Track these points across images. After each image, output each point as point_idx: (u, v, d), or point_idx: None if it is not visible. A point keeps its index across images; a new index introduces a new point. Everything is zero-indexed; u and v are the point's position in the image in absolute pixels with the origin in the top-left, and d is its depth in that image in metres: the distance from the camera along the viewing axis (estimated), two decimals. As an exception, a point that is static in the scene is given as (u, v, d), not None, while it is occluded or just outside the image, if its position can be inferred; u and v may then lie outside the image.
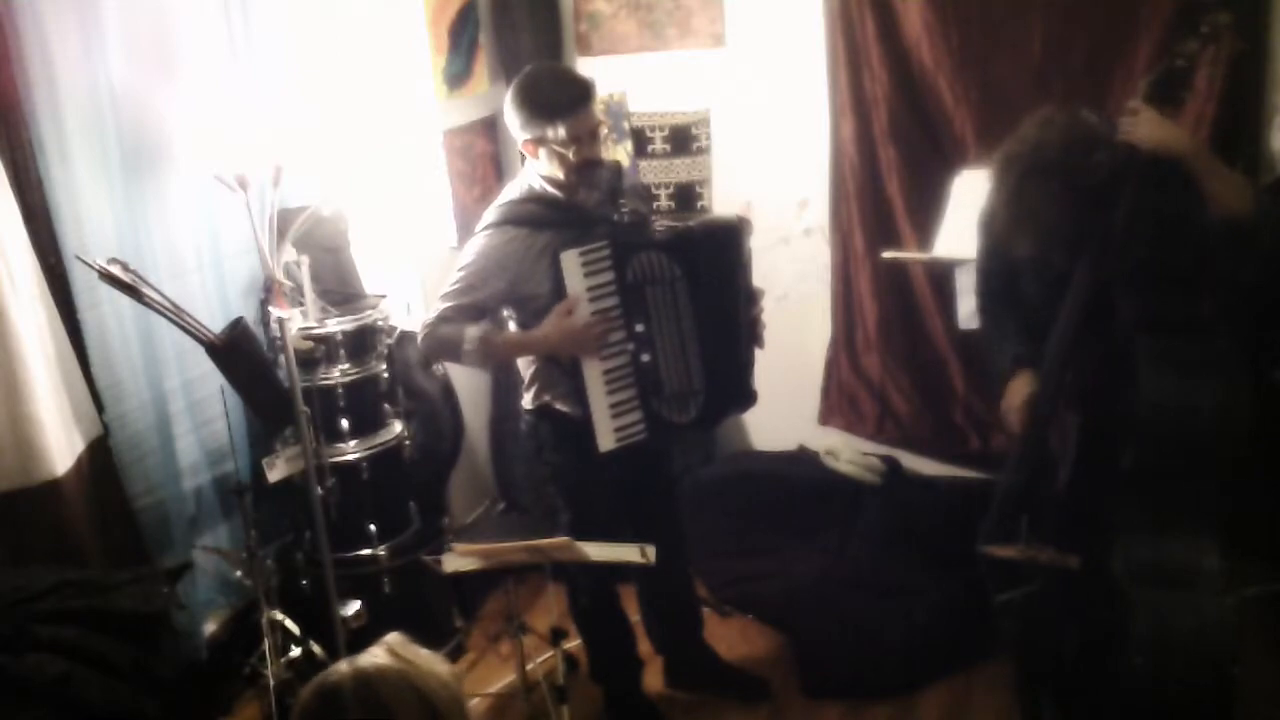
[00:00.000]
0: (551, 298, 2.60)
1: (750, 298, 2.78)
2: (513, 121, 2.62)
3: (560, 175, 2.63)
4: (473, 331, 2.62)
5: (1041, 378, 2.43)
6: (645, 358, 2.66)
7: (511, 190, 2.74)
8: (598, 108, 2.64)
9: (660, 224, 2.75)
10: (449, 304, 2.65)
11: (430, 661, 1.54)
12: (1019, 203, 2.29)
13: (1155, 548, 2.26)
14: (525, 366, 2.81)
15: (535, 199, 2.68)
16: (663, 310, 2.65)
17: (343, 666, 1.48)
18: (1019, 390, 2.53)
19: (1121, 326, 2.29)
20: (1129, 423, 2.24)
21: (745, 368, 2.80)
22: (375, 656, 1.50)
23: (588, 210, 2.67)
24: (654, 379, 2.67)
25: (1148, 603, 2.25)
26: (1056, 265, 2.35)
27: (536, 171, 2.67)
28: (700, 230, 2.73)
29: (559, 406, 2.75)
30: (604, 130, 2.74)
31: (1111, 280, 2.29)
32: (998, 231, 2.41)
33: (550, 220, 2.64)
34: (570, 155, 2.59)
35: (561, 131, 2.56)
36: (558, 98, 2.57)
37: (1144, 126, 2.19)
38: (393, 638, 1.56)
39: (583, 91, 2.60)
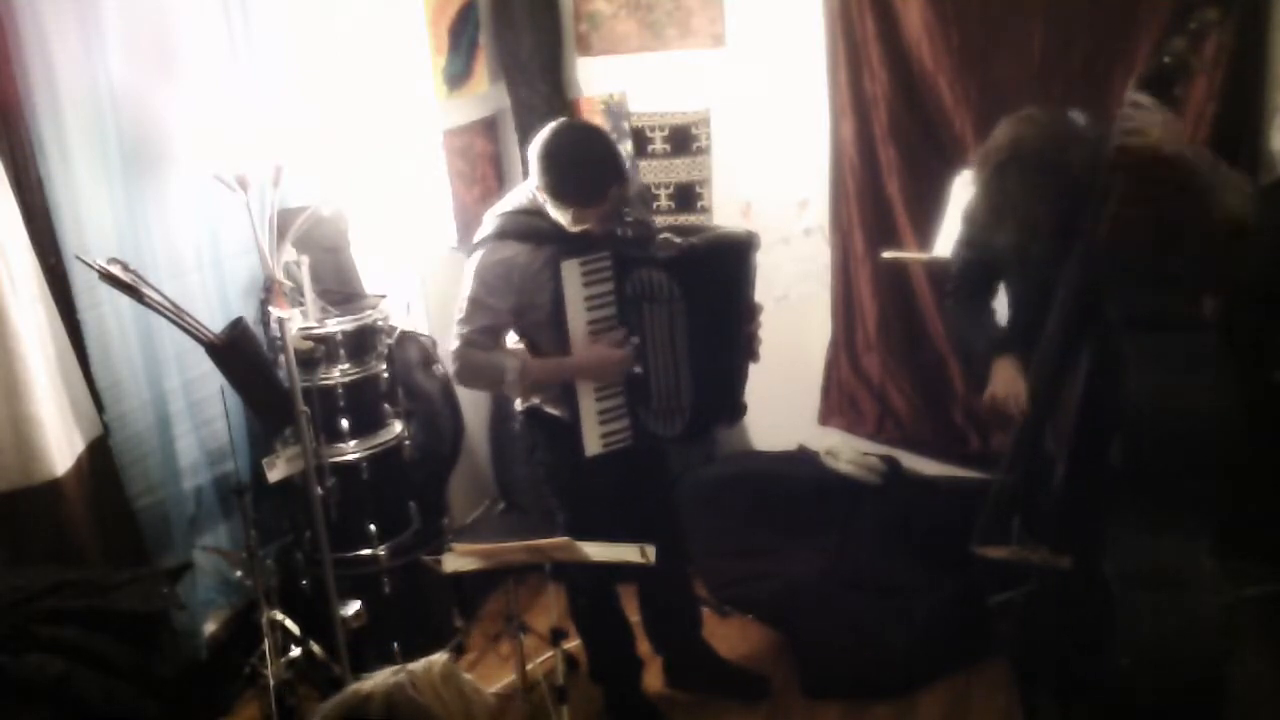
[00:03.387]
0: (552, 307, 2.60)
1: (750, 313, 2.78)
2: (531, 166, 2.58)
3: (561, 224, 2.62)
4: (512, 363, 2.64)
5: (1035, 375, 2.43)
6: (637, 370, 2.67)
7: (515, 198, 2.72)
8: (616, 192, 2.57)
9: (665, 236, 2.68)
10: (468, 328, 2.65)
11: (470, 696, 1.46)
12: (996, 196, 2.30)
13: (1149, 548, 2.26)
14: None
15: (537, 212, 2.66)
16: (658, 327, 2.66)
17: (381, 685, 1.41)
18: (1009, 374, 2.52)
19: (1114, 325, 2.29)
20: (1123, 422, 2.24)
21: (736, 384, 2.81)
22: (418, 689, 1.42)
23: None
24: (643, 391, 2.69)
25: (1141, 603, 2.25)
26: (1037, 259, 2.35)
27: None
28: (704, 251, 2.67)
29: (548, 409, 2.75)
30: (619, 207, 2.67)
31: (1103, 278, 2.29)
32: (978, 224, 2.42)
33: (550, 235, 2.62)
34: (575, 230, 2.58)
35: (569, 216, 2.56)
36: (574, 194, 2.54)
37: (1148, 120, 2.18)
38: (441, 662, 1.48)
39: (600, 189, 2.54)
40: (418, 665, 1.46)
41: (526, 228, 2.64)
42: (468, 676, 1.48)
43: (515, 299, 2.64)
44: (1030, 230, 2.29)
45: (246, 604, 3.06)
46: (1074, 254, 2.28)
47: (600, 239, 2.62)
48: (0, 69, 2.50)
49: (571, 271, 2.56)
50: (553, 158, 2.54)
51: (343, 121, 3.39)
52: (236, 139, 2.71)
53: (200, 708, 2.97)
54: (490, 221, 2.69)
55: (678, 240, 2.66)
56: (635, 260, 2.61)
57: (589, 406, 2.64)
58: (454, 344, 2.69)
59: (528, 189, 2.69)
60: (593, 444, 2.66)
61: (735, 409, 2.84)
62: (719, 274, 2.69)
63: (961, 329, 2.74)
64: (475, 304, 2.65)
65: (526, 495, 4.02)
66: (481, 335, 2.65)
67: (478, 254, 2.67)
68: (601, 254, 2.58)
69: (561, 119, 2.66)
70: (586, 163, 2.55)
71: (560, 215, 2.58)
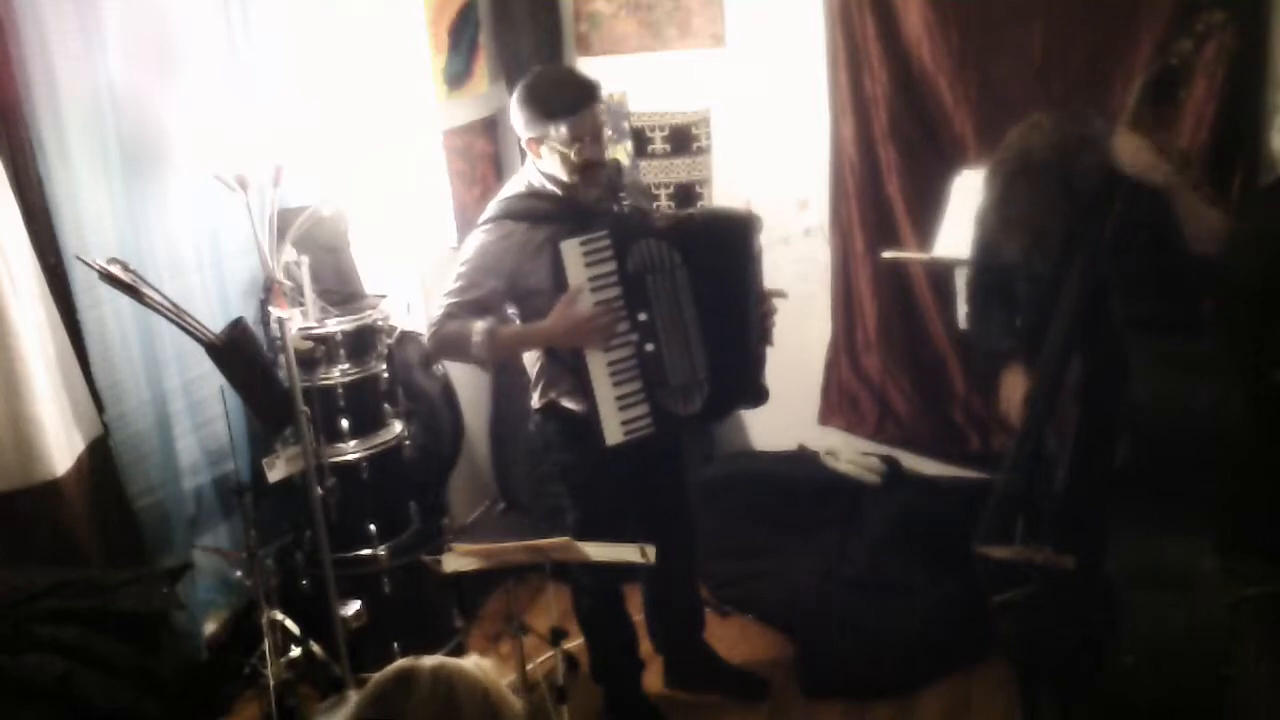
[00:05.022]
0: (552, 291, 2.60)
1: (759, 295, 2.78)
2: (517, 120, 2.64)
3: (563, 175, 2.63)
4: (479, 325, 2.62)
5: (1038, 378, 2.44)
6: (649, 347, 2.65)
7: (512, 186, 2.74)
8: (601, 109, 2.66)
9: (663, 214, 2.77)
10: (452, 301, 2.66)
11: (508, 691, 1.59)
12: (1009, 205, 2.31)
13: (1151, 548, 2.26)
14: (531, 364, 2.81)
15: (535, 194, 2.68)
16: (664, 298, 2.65)
17: (428, 659, 1.55)
18: (1013, 384, 2.55)
19: (1117, 326, 2.29)
20: (1125, 423, 2.24)
21: (753, 361, 2.79)
22: (463, 661, 1.56)
23: (588, 205, 2.67)
24: (658, 369, 2.66)
25: (1143, 603, 2.25)
26: (1050, 266, 2.36)
27: (538, 169, 2.68)
28: (700, 218, 2.75)
29: (565, 404, 2.74)
30: (607, 131, 2.73)
31: (1107, 281, 2.30)
32: (990, 233, 2.43)
33: (550, 215, 2.64)
34: (572, 155, 2.59)
35: (564, 130, 2.57)
36: (562, 98, 2.59)
37: (1126, 151, 2.20)
38: (481, 659, 1.61)
39: (587, 92, 2.61)
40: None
41: (525, 208, 2.66)
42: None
43: (508, 278, 2.65)
44: (1042, 237, 2.30)
45: (246, 604, 3.05)
46: (1078, 256, 2.29)
47: (597, 217, 2.63)
48: (0, 69, 2.50)
49: (572, 252, 2.55)
50: (534, 85, 2.64)
51: (343, 121, 3.39)
52: (236, 139, 2.72)
53: (200, 708, 2.97)
54: (491, 207, 2.71)
55: (675, 213, 2.70)
56: (634, 233, 2.62)
57: (606, 393, 2.62)
58: (434, 313, 2.69)
59: (523, 176, 2.72)
60: (613, 433, 2.63)
61: (757, 391, 2.82)
62: (716, 240, 2.70)
63: (980, 338, 2.75)
64: (467, 279, 2.65)
65: (526, 495, 4.02)
66: (463, 310, 2.64)
67: (478, 233, 2.68)
68: (600, 233, 2.58)
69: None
70: (565, 76, 2.75)
71: (555, 141, 2.59)
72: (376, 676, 1.55)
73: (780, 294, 2.84)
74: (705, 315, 2.68)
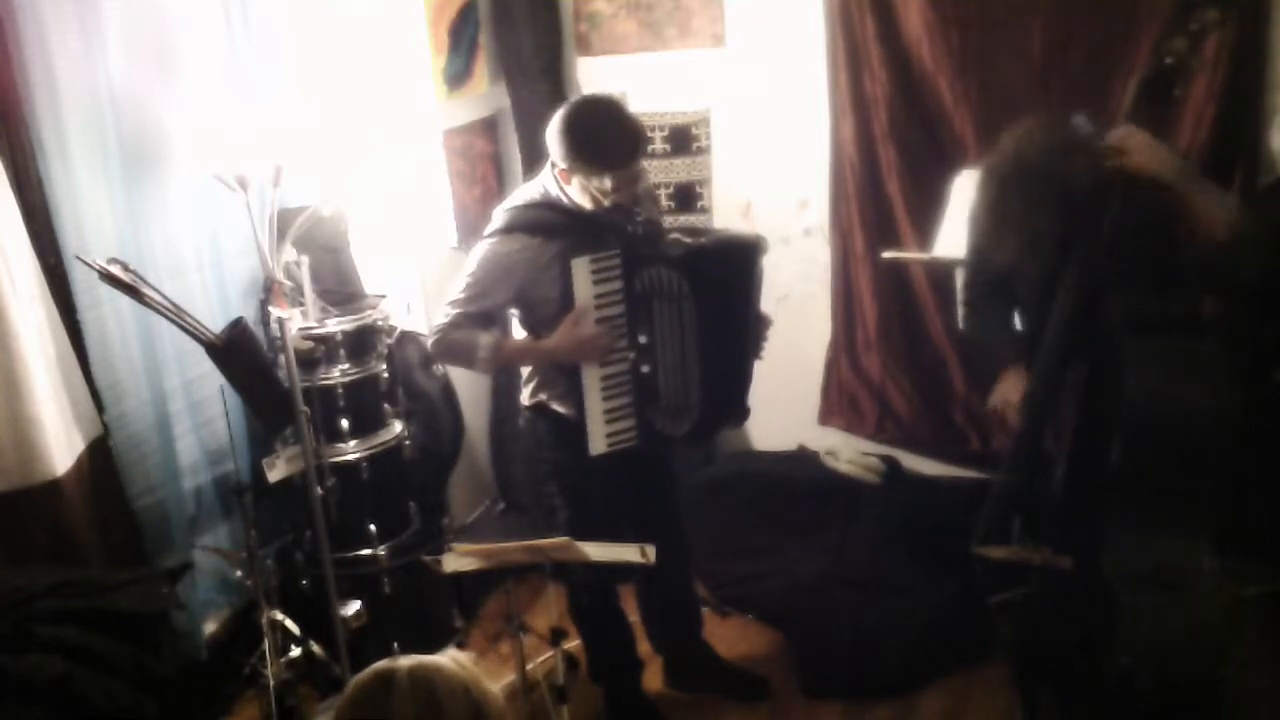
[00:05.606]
0: (561, 303, 2.60)
1: (758, 317, 2.79)
2: (554, 147, 2.56)
3: (588, 207, 2.61)
4: (485, 340, 2.63)
5: (1036, 378, 2.44)
6: (645, 369, 2.67)
7: (526, 192, 2.72)
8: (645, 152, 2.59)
9: (674, 235, 2.72)
10: (457, 311, 2.65)
11: (488, 683, 1.59)
12: (1004, 209, 2.31)
13: (1149, 548, 2.26)
14: None
15: (549, 205, 2.66)
16: (667, 325, 2.66)
17: (404, 658, 1.55)
18: (1011, 384, 2.56)
19: (1114, 327, 2.29)
20: (1124, 423, 2.24)
21: (744, 385, 2.82)
22: (439, 658, 1.57)
23: (601, 217, 2.64)
24: (651, 390, 2.69)
25: (1142, 603, 2.25)
26: (1044, 268, 2.36)
27: (559, 184, 2.64)
28: (713, 249, 2.72)
29: (555, 406, 2.75)
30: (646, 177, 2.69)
31: (1103, 281, 2.30)
32: (985, 237, 2.43)
33: (562, 228, 2.62)
34: (606, 202, 2.58)
35: (607, 183, 2.54)
36: (613, 154, 2.52)
37: (1132, 148, 2.20)
38: (458, 653, 1.63)
39: (636, 147, 2.55)
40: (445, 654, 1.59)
41: (535, 221, 2.64)
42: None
43: (515, 290, 2.65)
44: (1036, 241, 2.30)
45: (246, 604, 3.05)
46: (1075, 257, 2.29)
47: (609, 235, 2.62)
48: (0, 69, 2.50)
49: (581, 270, 2.56)
50: (584, 125, 2.53)
51: (343, 121, 3.39)
52: (236, 139, 2.72)
53: (200, 708, 2.97)
54: (499, 216, 2.70)
55: (687, 240, 2.69)
56: (645, 257, 2.62)
57: (595, 405, 2.64)
58: (439, 320, 2.69)
59: (539, 183, 2.70)
60: (598, 443, 2.66)
61: (741, 411, 2.85)
62: (728, 272, 2.70)
63: (979, 339, 2.76)
64: (472, 290, 2.65)
65: (526, 495, 4.02)
66: (466, 320, 2.65)
67: (485, 244, 2.67)
68: (611, 252, 2.58)
69: (577, 96, 2.65)
70: (617, 125, 2.55)
71: (593, 186, 2.55)
72: (355, 679, 1.55)
73: (768, 320, 2.84)
74: (705, 346, 2.69)
